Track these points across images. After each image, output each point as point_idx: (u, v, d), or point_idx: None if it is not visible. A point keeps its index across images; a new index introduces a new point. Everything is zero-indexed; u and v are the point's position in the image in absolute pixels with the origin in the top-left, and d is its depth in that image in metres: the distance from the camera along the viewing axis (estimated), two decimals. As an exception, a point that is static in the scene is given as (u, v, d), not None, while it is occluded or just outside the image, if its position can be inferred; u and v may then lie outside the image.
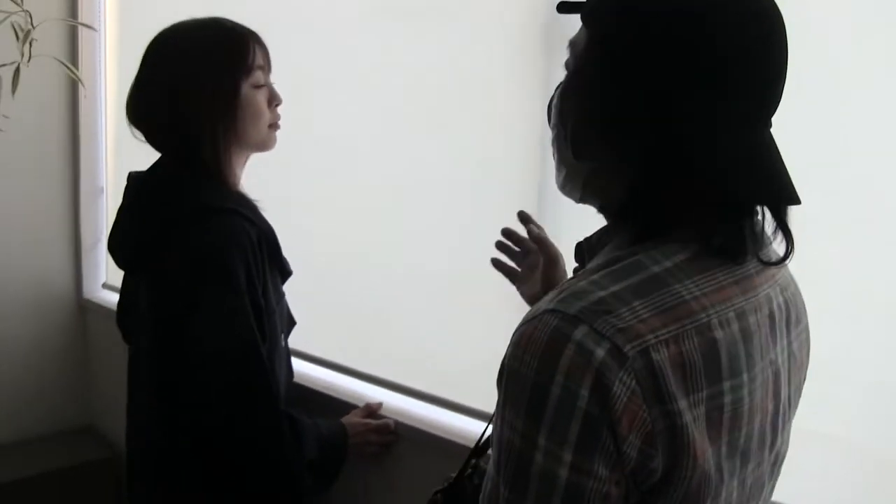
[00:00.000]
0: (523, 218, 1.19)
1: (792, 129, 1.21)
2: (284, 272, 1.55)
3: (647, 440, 0.67)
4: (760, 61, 0.72)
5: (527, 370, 0.67)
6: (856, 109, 1.22)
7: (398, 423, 1.76)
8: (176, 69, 1.45)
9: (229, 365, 1.39)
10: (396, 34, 1.91)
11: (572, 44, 0.81)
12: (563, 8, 0.83)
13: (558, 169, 0.85)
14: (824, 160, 1.23)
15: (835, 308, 1.21)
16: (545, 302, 0.71)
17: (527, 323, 0.70)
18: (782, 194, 0.75)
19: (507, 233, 1.23)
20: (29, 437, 2.84)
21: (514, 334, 0.71)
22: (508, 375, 0.70)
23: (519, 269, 1.23)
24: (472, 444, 1.59)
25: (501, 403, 0.70)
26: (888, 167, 1.20)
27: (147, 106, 1.49)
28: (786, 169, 0.76)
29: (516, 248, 1.23)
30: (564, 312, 0.68)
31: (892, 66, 1.19)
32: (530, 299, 1.19)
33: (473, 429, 1.68)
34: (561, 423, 0.66)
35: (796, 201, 0.75)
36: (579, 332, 0.66)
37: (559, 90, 0.82)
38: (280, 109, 1.54)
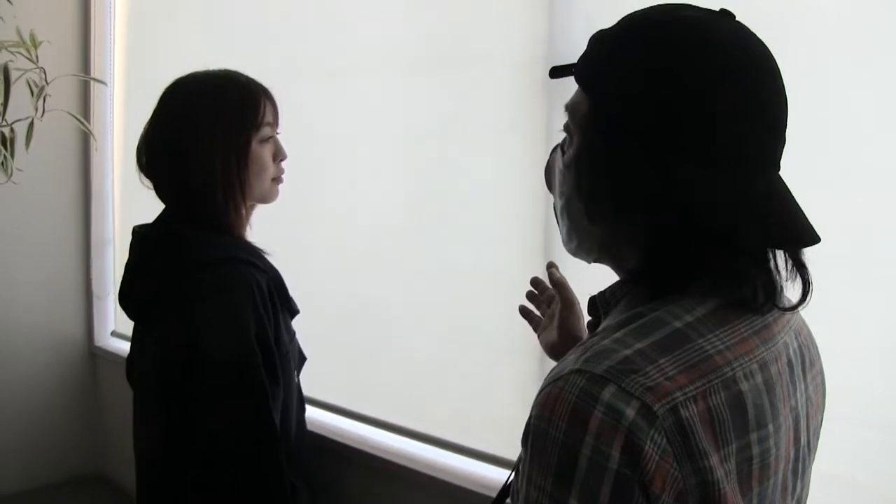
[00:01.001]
0: (549, 265, 1.20)
1: (789, 166, 1.24)
2: (293, 311, 1.59)
3: (679, 498, 0.66)
4: (756, 113, 0.72)
5: (555, 432, 0.67)
6: (866, 149, 1.24)
7: (404, 469, 1.78)
8: (187, 122, 1.48)
9: (238, 410, 1.42)
10: (402, 82, 1.95)
11: (571, 107, 0.82)
12: (555, 73, 0.85)
13: (569, 236, 0.86)
14: (820, 198, 1.25)
15: (847, 348, 1.21)
16: (570, 362, 0.71)
17: (552, 383, 0.69)
18: (801, 235, 0.75)
19: (534, 282, 1.24)
20: (40, 485, 2.85)
21: (539, 394, 0.70)
22: (535, 436, 0.69)
23: (542, 318, 1.23)
24: (478, 489, 1.62)
25: (528, 463, 0.69)
26: (887, 205, 1.22)
27: (156, 156, 1.52)
28: (800, 209, 0.76)
29: (542, 298, 1.24)
30: (591, 372, 0.67)
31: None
32: (547, 346, 1.19)
33: (479, 472, 1.70)
34: (592, 485, 0.65)
35: (816, 240, 0.75)
36: (607, 393, 0.66)
37: (565, 158, 0.83)
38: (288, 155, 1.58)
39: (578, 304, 1.16)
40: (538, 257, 1.64)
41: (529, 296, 1.25)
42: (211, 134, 1.47)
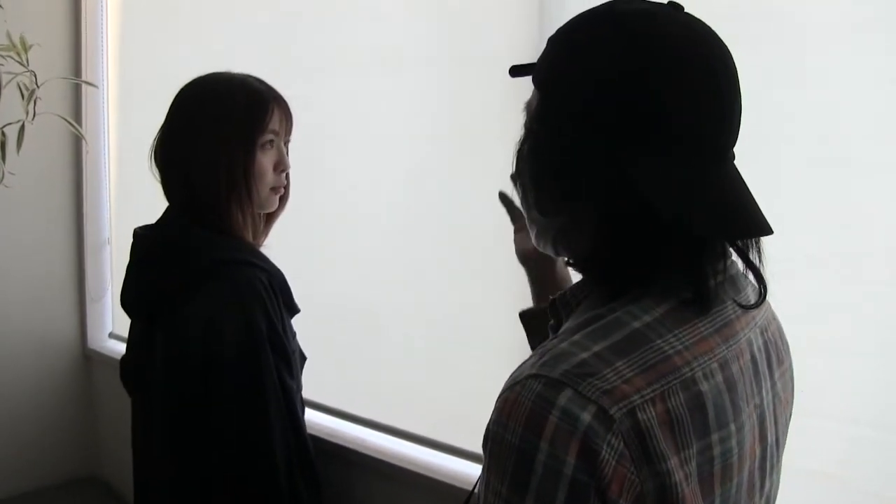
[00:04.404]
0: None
1: (778, 163, 1.24)
2: (293, 310, 1.58)
3: (637, 502, 0.66)
4: (708, 102, 0.72)
5: (511, 437, 0.66)
6: (845, 146, 1.24)
7: (399, 469, 1.78)
8: (195, 123, 1.49)
9: (255, 413, 1.44)
10: (395, 81, 1.95)
11: (527, 105, 0.82)
12: (514, 72, 0.86)
13: (529, 227, 0.86)
14: (810, 195, 1.25)
15: (827, 345, 1.22)
16: (528, 366, 0.70)
17: (510, 388, 0.69)
18: (750, 226, 0.73)
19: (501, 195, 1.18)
20: (35, 488, 2.85)
21: (497, 399, 0.70)
22: (493, 441, 0.68)
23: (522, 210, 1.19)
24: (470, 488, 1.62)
25: (486, 469, 0.69)
26: (877, 202, 1.22)
27: (167, 155, 1.52)
28: (753, 200, 0.74)
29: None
30: (548, 377, 0.67)
31: (884, 95, 1.20)
32: (520, 252, 1.16)
33: (473, 473, 1.70)
34: (547, 491, 0.65)
35: (767, 232, 0.73)
36: (563, 398, 0.66)
37: (518, 152, 0.83)
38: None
39: None
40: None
41: (502, 198, 1.18)
42: (217, 136, 1.47)
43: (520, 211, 1.14)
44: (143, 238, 1.56)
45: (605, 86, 0.72)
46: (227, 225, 1.49)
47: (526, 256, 1.15)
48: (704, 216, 0.71)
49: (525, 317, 1.14)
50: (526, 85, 0.83)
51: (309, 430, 1.61)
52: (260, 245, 1.58)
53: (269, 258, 1.54)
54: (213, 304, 1.43)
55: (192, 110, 1.51)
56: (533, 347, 1.13)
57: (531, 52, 1.65)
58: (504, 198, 1.18)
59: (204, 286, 1.44)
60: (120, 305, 1.61)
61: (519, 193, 0.85)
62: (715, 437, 0.71)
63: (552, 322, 0.86)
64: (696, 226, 0.71)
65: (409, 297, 1.95)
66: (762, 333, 0.83)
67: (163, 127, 1.54)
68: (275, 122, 1.51)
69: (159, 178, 1.54)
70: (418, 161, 1.92)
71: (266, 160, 1.51)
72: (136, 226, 1.59)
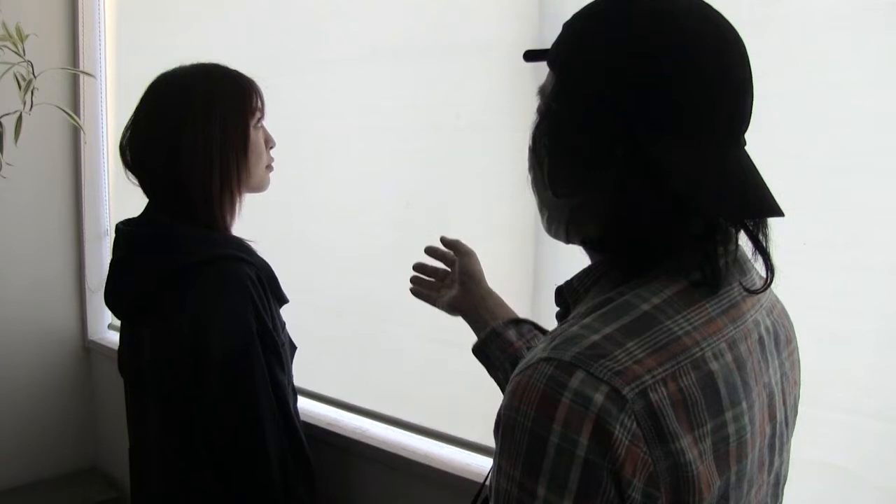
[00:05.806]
0: (441, 238, 1.30)
1: (784, 150, 1.23)
2: (282, 301, 1.57)
3: (650, 482, 0.66)
4: (720, 87, 0.73)
5: (524, 420, 0.67)
6: (851, 132, 1.23)
7: (399, 458, 1.78)
8: (180, 113, 1.45)
9: (243, 408, 1.43)
10: (392, 72, 1.94)
11: (542, 90, 0.83)
12: (529, 56, 0.86)
13: (541, 212, 0.86)
14: (814, 181, 1.24)
15: (840, 335, 1.21)
16: (539, 350, 0.71)
17: (521, 372, 0.70)
18: (762, 206, 0.74)
19: (428, 251, 1.33)
20: (34, 480, 2.86)
21: (509, 383, 0.71)
22: (505, 425, 0.69)
23: (436, 294, 1.31)
24: (472, 477, 1.62)
25: (498, 453, 0.70)
26: (881, 189, 1.21)
27: (147, 152, 1.48)
28: (764, 183, 0.76)
29: (434, 272, 1.34)
30: (559, 360, 0.68)
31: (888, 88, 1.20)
32: (450, 305, 1.28)
33: (472, 462, 1.70)
34: (560, 472, 0.65)
35: (778, 213, 0.74)
36: (576, 380, 0.66)
37: (532, 132, 0.84)
38: (276, 150, 1.57)
39: (475, 254, 1.29)
40: (529, 250, 1.62)
41: (417, 268, 1.35)
42: (208, 123, 1.44)
43: (433, 296, 1.31)
44: (127, 234, 1.53)
45: (617, 68, 0.73)
46: (214, 215, 1.47)
47: (454, 307, 1.27)
48: (714, 195, 0.72)
49: (478, 352, 1.22)
50: (528, 78, 0.83)
51: (307, 420, 1.61)
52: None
53: (255, 251, 1.52)
54: (201, 301, 1.41)
55: (175, 102, 1.47)
56: (496, 381, 1.20)
57: (532, 43, 1.64)
58: (416, 292, 1.34)
59: (192, 283, 1.42)
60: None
61: (532, 175, 0.85)
62: (729, 415, 0.72)
63: (559, 310, 0.87)
64: (706, 204, 0.72)
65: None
66: (768, 315, 0.84)
67: (137, 124, 1.50)
68: (258, 101, 1.52)
69: (136, 176, 1.51)
70: (418, 154, 1.91)
71: (260, 139, 1.52)
72: (120, 221, 1.57)
